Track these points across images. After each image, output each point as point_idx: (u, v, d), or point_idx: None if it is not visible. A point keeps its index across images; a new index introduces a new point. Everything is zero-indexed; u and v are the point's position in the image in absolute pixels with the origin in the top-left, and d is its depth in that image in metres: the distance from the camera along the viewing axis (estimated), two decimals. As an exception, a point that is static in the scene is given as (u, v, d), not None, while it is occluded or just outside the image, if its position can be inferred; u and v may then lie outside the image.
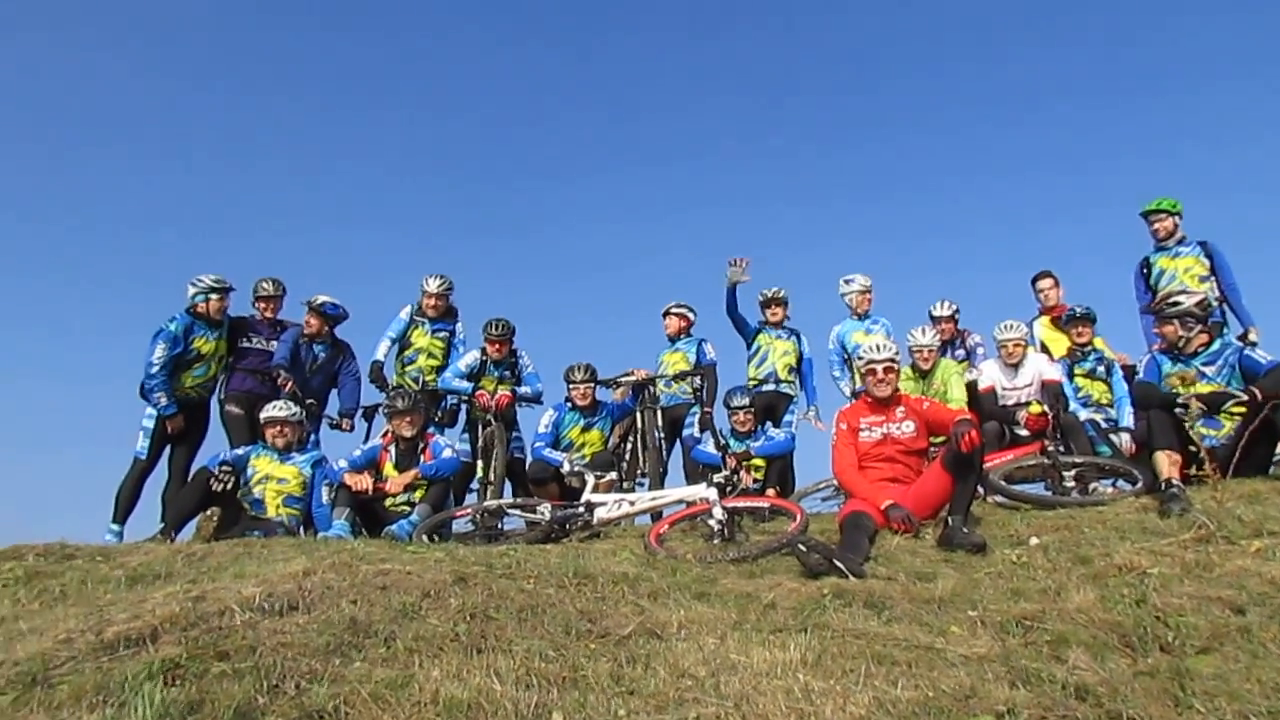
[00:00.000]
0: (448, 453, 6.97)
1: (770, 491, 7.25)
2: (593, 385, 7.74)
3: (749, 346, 8.42)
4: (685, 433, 8.03)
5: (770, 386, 8.22)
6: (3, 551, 5.15)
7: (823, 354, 8.33)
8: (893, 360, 5.94)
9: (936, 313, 8.26)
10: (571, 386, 7.77)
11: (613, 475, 6.83)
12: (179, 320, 7.60)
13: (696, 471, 7.47)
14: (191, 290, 7.69)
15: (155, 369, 7.38)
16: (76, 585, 4.45)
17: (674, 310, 8.48)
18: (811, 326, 8.60)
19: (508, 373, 8.05)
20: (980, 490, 6.22)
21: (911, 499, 5.47)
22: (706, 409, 7.84)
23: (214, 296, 7.69)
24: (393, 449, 7.06)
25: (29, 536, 5.39)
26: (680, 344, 8.37)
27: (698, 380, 7.93)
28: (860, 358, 6.08)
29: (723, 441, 7.43)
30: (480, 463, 7.57)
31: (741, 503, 5.86)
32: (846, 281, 8.37)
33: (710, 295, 7.99)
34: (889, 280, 9.02)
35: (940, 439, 6.01)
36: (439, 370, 8.16)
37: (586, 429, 7.76)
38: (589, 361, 7.86)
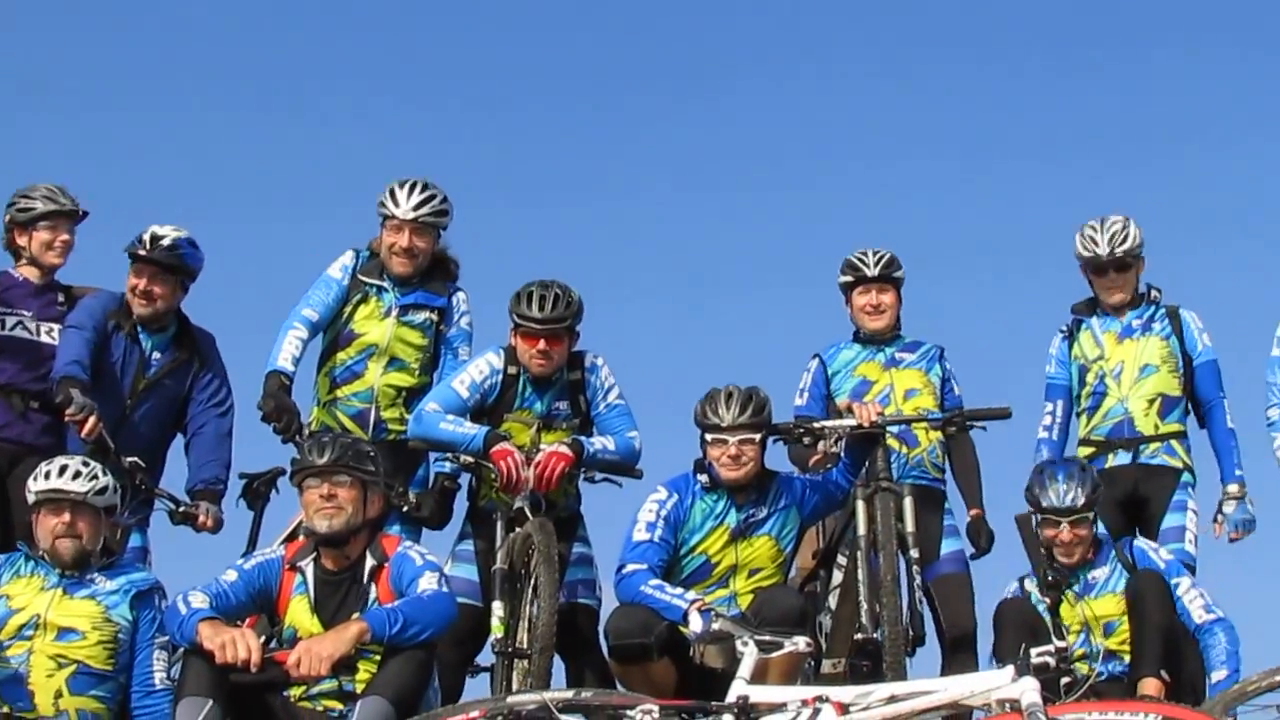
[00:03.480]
0: (428, 583, 7.04)
1: (1150, 684, 7.34)
2: (757, 437, 7.75)
3: (1065, 363, 9.06)
4: (947, 550, 8.45)
5: (1125, 455, 8.57)
6: None
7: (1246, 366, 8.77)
8: None
9: None
10: (711, 438, 7.74)
11: (802, 642, 6.58)
12: None
13: (967, 635, 8.07)
14: None
15: None
16: None
17: (859, 269, 8.91)
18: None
19: (564, 406, 8.24)
20: None
21: None
22: (974, 509, 8.46)
23: None
24: (308, 569, 7.22)
25: None
26: (898, 349, 8.93)
27: (953, 441, 8.51)
28: None
29: (1047, 570, 7.55)
30: (499, 607, 7.62)
31: (1091, 712, 5.91)
32: None
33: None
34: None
35: None
36: (413, 399, 8.41)
37: (741, 536, 7.81)
38: (748, 384, 7.89)
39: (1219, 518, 8.42)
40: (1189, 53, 21.63)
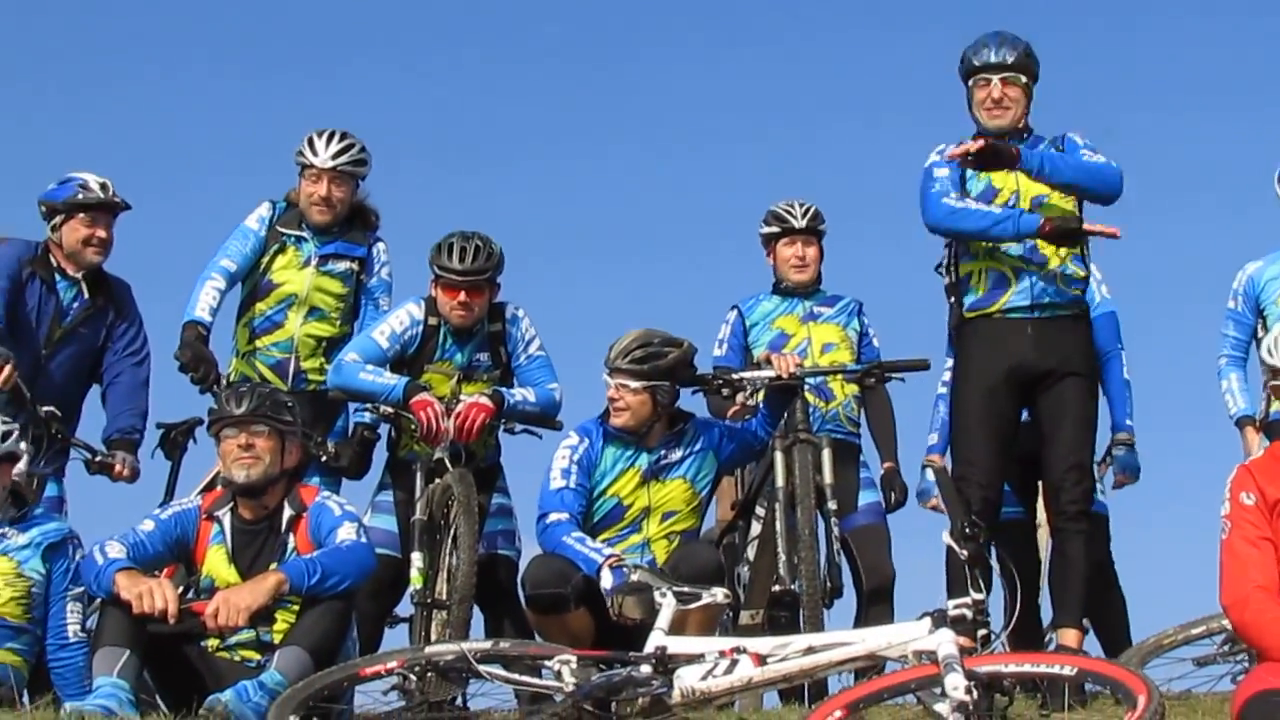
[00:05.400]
0: (347, 533, 7.05)
1: (1069, 635, 7.39)
2: (634, 385, 7.68)
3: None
4: (864, 502, 8.48)
5: None
6: None
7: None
8: None
9: None
10: (616, 382, 7.72)
11: (720, 593, 6.63)
12: None
13: (885, 587, 8.14)
14: None
15: None
16: None
17: (785, 220, 8.79)
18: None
19: (484, 358, 8.23)
20: None
21: None
22: (887, 463, 8.49)
23: None
24: (225, 519, 7.19)
25: None
26: (817, 303, 8.88)
27: (870, 395, 8.56)
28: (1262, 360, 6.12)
29: (965, 522, 6.99)
30: (418, 558, 7.65)
31: (1008, 664, 5.85)
32: None
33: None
34: None
35: None
36: (333, 349, 8.41)
37: (654, 477, 7.79)
38: (655, 329, 7.73)
39: (1108, 459, 8.44)
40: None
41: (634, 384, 7.60)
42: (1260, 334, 8.39)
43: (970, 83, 7.46)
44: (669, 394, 7.67)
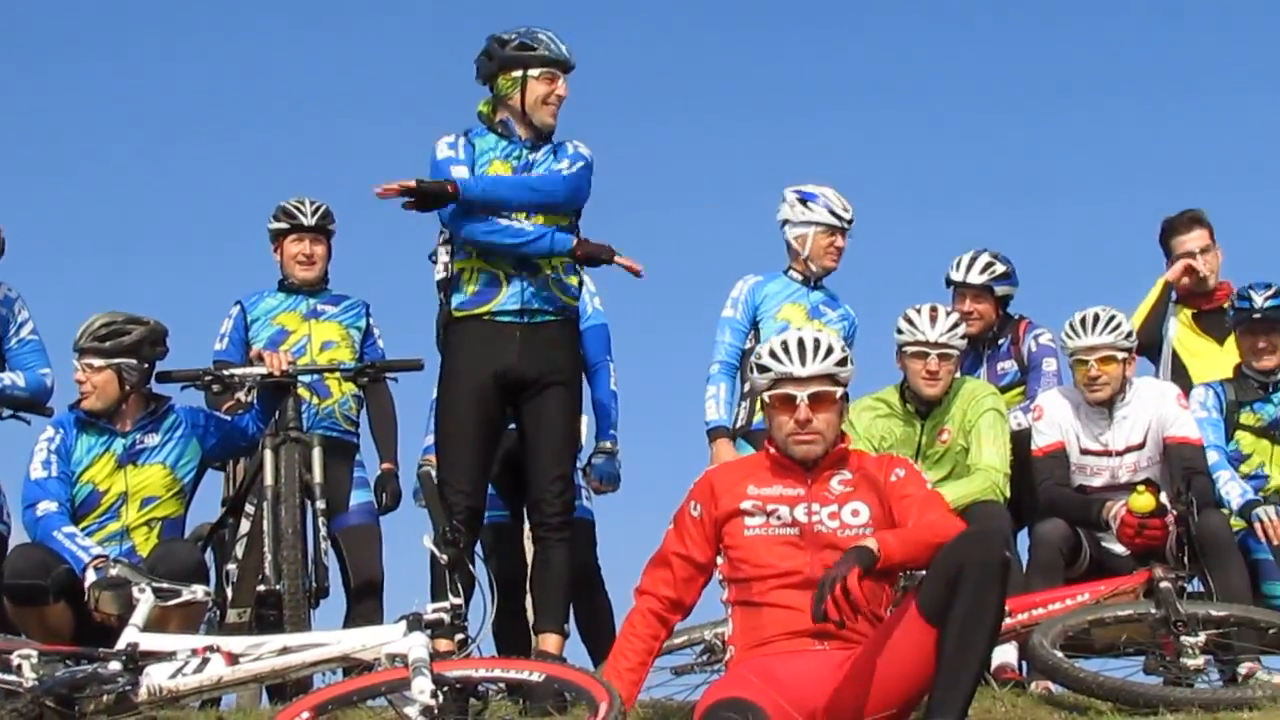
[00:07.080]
0: None
1: (550, 640, 7.42)
2: (127, 361, 7.65)
3: None
4: (356, 502, 8.56)
5: None
6: None
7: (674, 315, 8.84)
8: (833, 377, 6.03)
9: (961, 276, 8.78)
10: (82, 364, 7.66)
11: (200, 590, 6.73)
12: None
13: (373, 586, 8.25)
14: None
15: None
16: None
17: (295, 217, 8.79)
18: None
19: None
20: (1016, 667, 7.03)
21: (851, 683, 5.58)
22: (385, 464, 8.60)
23: None
24: None
25: None
26: (321, 300, 8.87)
27: (370, 393, 8.64)
28: (760, 366, 6.14)
29: (446, 527, 7.12)
30: None
31: (479, 669, 6.02)
32: (802, 200, 8.55)
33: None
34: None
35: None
36: None
37: (129, 463, 7.74)
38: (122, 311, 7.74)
39: (588, 467, 8.51)
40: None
41: (98, 362, 7.54)
42: (750, 344, 8.59)
43: (535, 71, 7.23)
44: (136, 372, 7.62)
